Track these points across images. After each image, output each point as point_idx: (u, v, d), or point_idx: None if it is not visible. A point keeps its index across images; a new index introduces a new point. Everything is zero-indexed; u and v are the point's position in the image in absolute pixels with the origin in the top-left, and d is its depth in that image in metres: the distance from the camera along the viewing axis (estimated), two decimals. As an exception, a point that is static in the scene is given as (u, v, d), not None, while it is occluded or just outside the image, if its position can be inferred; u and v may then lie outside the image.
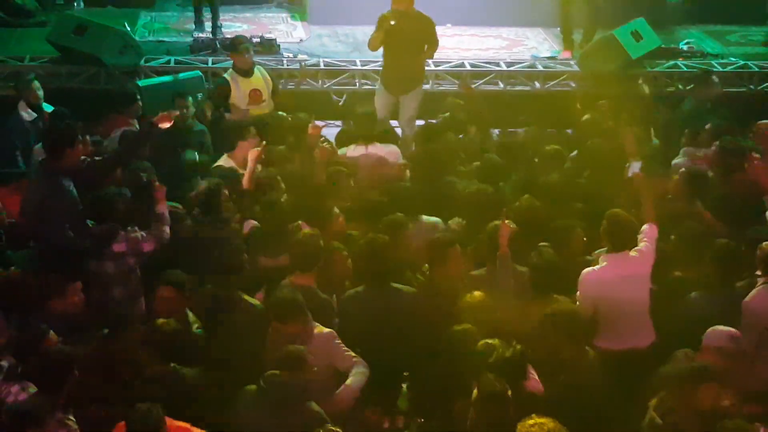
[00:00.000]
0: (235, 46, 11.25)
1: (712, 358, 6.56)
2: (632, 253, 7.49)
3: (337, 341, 6.96)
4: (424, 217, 8.51)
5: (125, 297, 7.78)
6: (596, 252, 7.85)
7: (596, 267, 7.53)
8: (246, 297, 7.40)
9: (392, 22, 11.12)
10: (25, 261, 8.03)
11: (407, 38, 11.30)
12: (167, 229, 7.99)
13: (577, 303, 7.42)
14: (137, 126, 10.52)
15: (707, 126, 10.35)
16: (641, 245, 7.53)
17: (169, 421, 5.91)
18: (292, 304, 6.83)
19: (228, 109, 10.96)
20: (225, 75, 11.24)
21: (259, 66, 11.35)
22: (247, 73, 11.00)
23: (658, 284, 7.59)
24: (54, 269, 7.43)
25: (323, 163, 8.84)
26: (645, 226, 7.64)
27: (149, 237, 7.91)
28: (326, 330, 6.99)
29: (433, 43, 11.66)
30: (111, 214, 8.00)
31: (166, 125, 8.87)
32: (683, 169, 9.31)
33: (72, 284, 7.30)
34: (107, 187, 8.35)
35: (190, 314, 7.20)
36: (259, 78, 11.04)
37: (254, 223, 8.34)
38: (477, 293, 7.16)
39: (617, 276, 7.39)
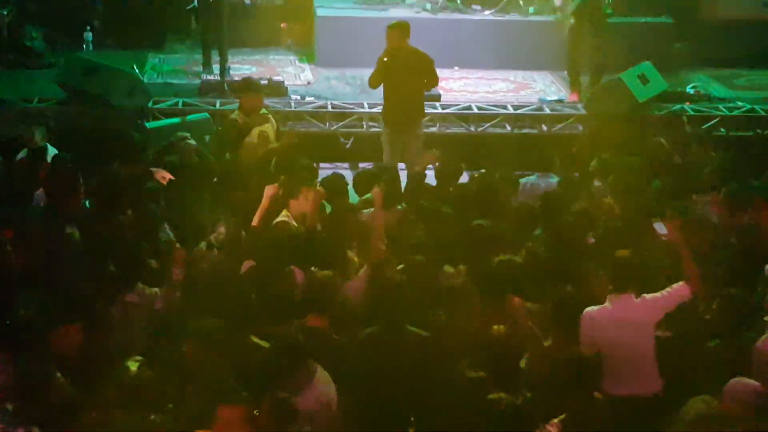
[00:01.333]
0: (246, 87, 11.29)
1: (736, 409, 6.48)
2: (637, 298, 7.44)
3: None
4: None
5: (124, 346, 7.70)
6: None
7: (597, 306, 7.48)
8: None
9: (385, 59, 11.33)
10: (30, 303, 7.98)
11: (404, 74, 11.45)
12: (178, 294, 7.89)
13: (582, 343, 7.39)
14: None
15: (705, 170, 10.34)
16: (655, 294, 7.45)
17: None
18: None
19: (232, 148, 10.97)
20: (232, 115, 11.26)
21: (266, 109, 11.38)
22: (251, 113, 11.02)
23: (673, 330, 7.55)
24: (59, 312, 7.40)
25: (317, 208, 8.76)
26: (678, 284, 7.49)
27: (162, 296, 7.85)
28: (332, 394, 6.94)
29: (432, 78, 11.78)
30: (137, 266, 7.99)
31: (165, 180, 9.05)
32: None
33: (73, 325, 7.25)
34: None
35: None
36: (264, 119, 11.06)
37: (251, 263, 8.21)
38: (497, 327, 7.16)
39: (615, 318, 7.33)
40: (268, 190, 8.66)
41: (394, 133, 11.65)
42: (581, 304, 7.48)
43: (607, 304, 7.45)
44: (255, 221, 8.53)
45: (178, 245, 8.22)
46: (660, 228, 8.72)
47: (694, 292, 7.46)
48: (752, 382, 6.74)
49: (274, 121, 11.20)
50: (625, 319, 7.32)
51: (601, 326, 7.36)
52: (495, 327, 7.20)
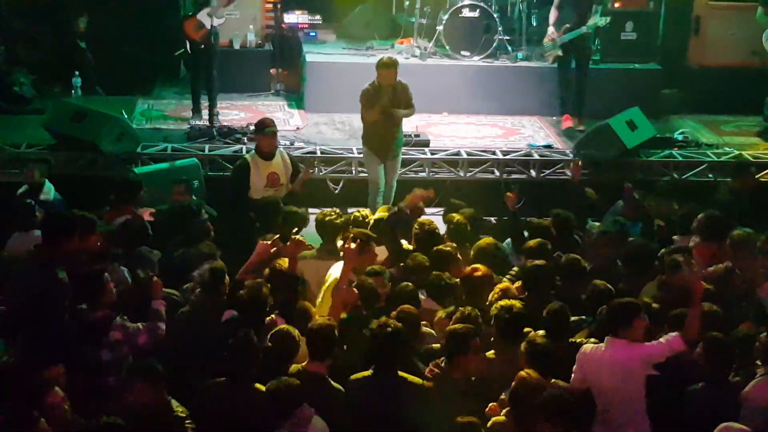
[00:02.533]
0: (262, 128, 11.25)
1: None
2: (631, 343, 7.38)
3: None
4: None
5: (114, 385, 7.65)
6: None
7: (594, 346, 7.47)
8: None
9: (385, 100, 11.72)
10: (13, 350, 7.89)
11: (389, 104, 11.80)
12: (162, 326, 7.89)
13: (574, 377, 7.40)
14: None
15: (700, 216, 10.29)
16: (651, 343, 7.41)
17: None
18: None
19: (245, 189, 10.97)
20: (246, 156, 11.30)
21: (281, 150, 11.36)
22: (268, 156, 11.02)
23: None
24: (44, 359, 7.34)
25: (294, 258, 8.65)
26: (673, 335, 7.45)
27: (144, 330, 7.81)
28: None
29: (411, 106, 12.10)
30: (102, 295, 7.91)
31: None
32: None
33: (53, 372, 7.19)
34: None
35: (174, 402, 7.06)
36: (279, 162, 11.05)
37: (233, 312, 8.11)
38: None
39: (610, 362, 7.30)
40: (260, 246, 8.67)
41: (379, 159, 12.03)
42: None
43: (604, 345, 7.42)
44: (240, 273, 8.54)
45: (155, 278, 8.14)
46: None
47: (688, 344, 7.41)
48: (741, 427, 6.75)
49: (290, 163, 11.16)
50: (620, 364, 7.28)
51: (593, 365, 7.35)
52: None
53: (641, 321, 7.43)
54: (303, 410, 6.80)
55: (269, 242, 8.65)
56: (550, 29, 14.67)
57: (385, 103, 11.75)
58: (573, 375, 7.44)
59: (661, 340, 7.43)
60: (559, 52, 14.66)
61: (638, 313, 7.43)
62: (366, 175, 12.42)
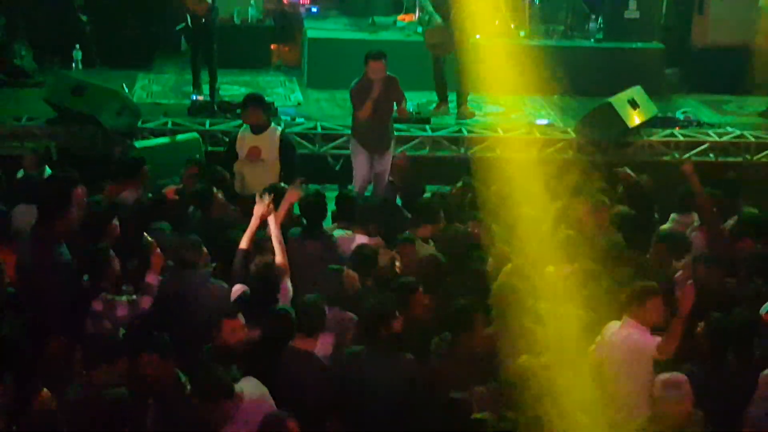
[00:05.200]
0: (243, 101, 11.32)
1: None
2: (639, 326, 7.40)
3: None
4: None
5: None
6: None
7: (615, 323, 7.51)
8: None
9: (374, 93, 11.40)
10: (15, 324, 7.91)
11: (381, 101, 11.54)
12: (147, 301, 7.82)
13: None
14: (143, 191, 10.46)
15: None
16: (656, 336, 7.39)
17: None
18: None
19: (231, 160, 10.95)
20: (241, 129, 11.25)
21: (277, 127, 11.25)
22: (256, 129, 10.94)
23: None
24: (47, 331, 7.37)
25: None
26: (655, 339, 7.36)
27: (125, 303, 7.78)
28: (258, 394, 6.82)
29: (401, 98, 11.86)
30: (105, 270, 7.90)
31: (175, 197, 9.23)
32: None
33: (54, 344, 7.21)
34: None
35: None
36: (266, 137, 10.93)
37: (243, 287, 8.08)
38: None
39: (618, 338, 7.35)
40: (258, 210, 8.55)
41: (367, 152, 11.78)
42: None
43: (622, 323, 7.45)
44: (244, 243, 8.45)
45: (157, 251, 8.05)
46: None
47: (660, 352, 7.24)
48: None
49: (279, 142, 11.01)
50: (623, 343, 7.32)
51: (607, 342, 7.43)
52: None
53: (656, 303, 7.43)
54: (232, 398, 6.65)
55: (266, 203, 8.55)
56: None
57: (376, 99, 11.46)
58: (594, 345, 7.50)
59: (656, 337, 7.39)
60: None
61: (654, 295, 7.44)
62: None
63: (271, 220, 8.40)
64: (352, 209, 9.71)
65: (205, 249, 8.28)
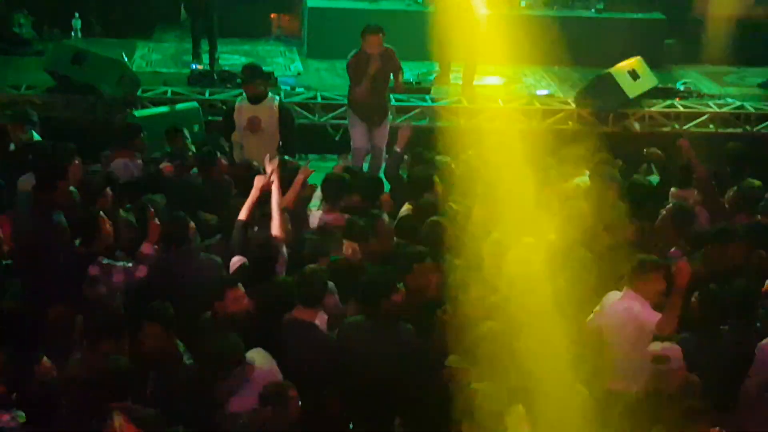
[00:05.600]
0: (243, 73, 11.31)
1: None
2: (640, 298, 7.39)
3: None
4: None
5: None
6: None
7: (616, 292, 7.51)
8: None
9: (373, 70, 11.33)
10: (18, 292, 7.93)
11: (376, 75, 11.47)
12: (143, 269, 7.76)
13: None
14: (140, 160, 10.47)
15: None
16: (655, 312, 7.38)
17: None
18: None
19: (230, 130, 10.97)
20: (238, 98, 11.26)
21: (275, 97, 11.23)
22: (254, 99, 10.93)
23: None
24: (46, 300, 7.38)
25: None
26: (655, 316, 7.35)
27: (122, 270, 7.74)
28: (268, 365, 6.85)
29: (398, 70, 11.82)
30: (97, 235, 7.88)
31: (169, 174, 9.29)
32: (670, 205, 9.25)
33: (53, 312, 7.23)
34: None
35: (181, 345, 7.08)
36: (266, 108, 10.92)
37: (243, 260, 8.03)
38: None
39: (626, 311, 7.32)
40: (258, 181, 8.52)
41: (364, 123, 11.74)
42: None
43: (623, 293, 7.46)
44: (243, 214, 8.43)
45: (155, 220, 7.97)
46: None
47: (659, 330, 7.20)
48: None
49: (277, 111, 11.01)
50: (622, 314, 7.31)
51: (607, 311, 7.41)
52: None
53: (658, 277, 7.42)
54: (244, 366, 6.71)
55: (268, 175, 8.54)
56: None
57: (373, 74, 11.40)
58: (593, 315, 7.51)
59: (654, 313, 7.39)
60: None
61: (657, 269, 7.44)
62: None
63: (273, 191, 8.39)
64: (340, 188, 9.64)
65: (192, 224, 8.26)
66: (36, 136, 10.52)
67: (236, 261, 7.93)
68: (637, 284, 7.41)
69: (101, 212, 8.00)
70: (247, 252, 7.95)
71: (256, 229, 8.25)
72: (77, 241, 7.93)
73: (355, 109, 11.76)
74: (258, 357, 6.77)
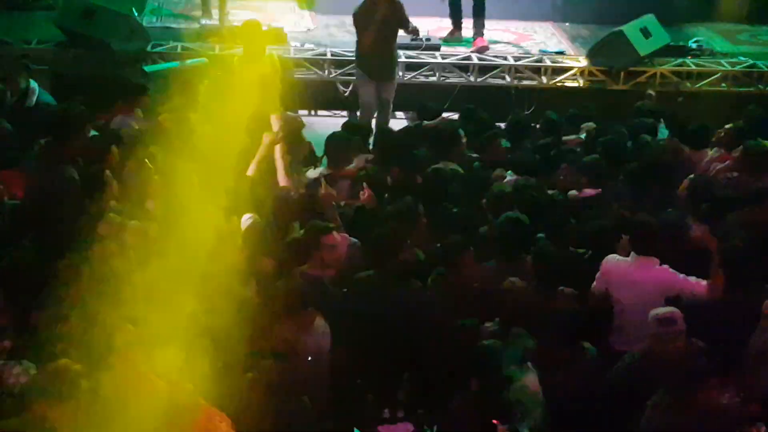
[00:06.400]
0: (242, 31, 11.22)
1: None
2: (658, 265, 7.44)
3: None
4: None
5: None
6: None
7: (622, 258, 7.52)
8: None
9: (380, 17, 11.37)
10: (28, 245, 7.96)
11: (383, 26, 11.48)
12: (152, 227, 7.73)
13: (595, 283, 7.45)
14: (140, 115, 10.51)
15: (727, 126, 10.32)
16: (676, 272, 7.43)
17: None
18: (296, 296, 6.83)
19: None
20: (235, 59, 11.20)
21: (272, 53, 11.25)
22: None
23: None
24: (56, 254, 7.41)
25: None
26: (702, 282, 7.42)
27: (135, 227, 7.67)
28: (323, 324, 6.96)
29: (406, 23, 11.81)
30: (104, 192, 7.93)
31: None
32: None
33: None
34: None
35: None
36: (267, 64, 10.93)
37: (253, 216, 8.11)
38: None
39: (633, 277, 7.36)
40: (266, 138, 8.57)
41: (373, 81, 11.77)
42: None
43: (629, 259, 7.47)
44: (250, 170, 8.47)
45: (156, 177, 7.94)
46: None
47: (710, 296, 7.34)
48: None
49: (279, 66, 11.02)
50: (642, 281, 7.33)
51: (616, 279, 7.42)
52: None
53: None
54: (308, 312, 6.86)
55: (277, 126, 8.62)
56: None
57: (381, 21, 11.41)
58: (594, 283, 7.50)
59: (691, 278, 7.43)
60: None
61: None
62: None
63: (278, 146, 8.47)
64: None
65: None
66: (33, 84, 10.55)
67: (247, 218, 7.99)
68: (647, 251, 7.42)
69: (104, 170, 8.04)
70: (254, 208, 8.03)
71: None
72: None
73: (363, 66, 11.74)
74: (319, 318, 6.93)
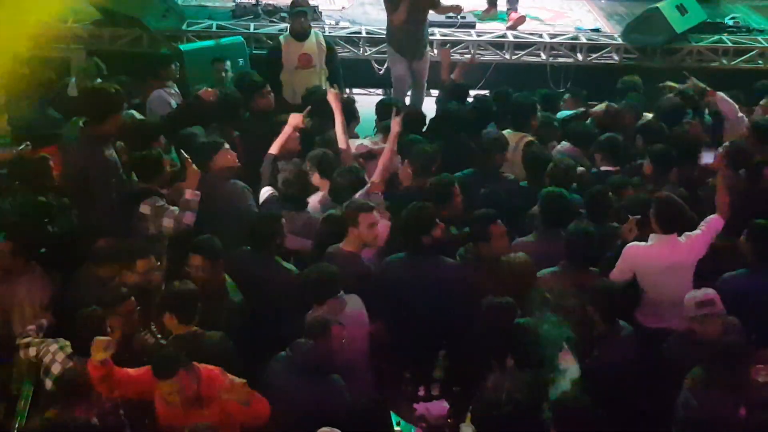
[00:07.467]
0: (291, 8, 11.46)
1: None
2: (681, 238, 7.41)
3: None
4: None
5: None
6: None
7: (642, 243, 7.47)
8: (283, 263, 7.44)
9: None
10: (68, 223, 8.04)
11: (414, 4, 11.40)
12: (190, 216, 7.76)
13: (616, 271, 7.42)
14: (174, 89, 10.58)
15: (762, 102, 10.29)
16: (695, 233, 7.45)
17: (201, 367, 6.08)
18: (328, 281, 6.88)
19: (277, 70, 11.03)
20: (280, 37, 11.39)
21: (317, 32, 11.34)
22: (300, 36, 11.03)
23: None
24: (94, 231, 7.50)
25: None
26: (711, 217, 7.54)
27: (171, 214, 7.79)
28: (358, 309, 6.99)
29: (437, 2, 11.80)
30: (156, 174, 8.01)
31: (211, 99, 9.24)
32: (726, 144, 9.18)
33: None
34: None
35: (229, 280, 7.17)
36: (313, 44, 11.03)
37: (271, 190, 8.27)
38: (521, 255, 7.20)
39: (660, 259, 7.33)
40: (293, 119, 8.72)
41: (405, 59, 11.72)
42: None
43: (651, 242, 7.44)
44: (274, 149, 8.58)
45: (193, 167, 7.95)
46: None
47: (721, 213, 7.51)
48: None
49: (325, 46, 11.13)
50: (670, 260, 7.32)
51: (645, 264, 7.40)
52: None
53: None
54: (337, 299, 6.88)
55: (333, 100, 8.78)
56: None
57: (410, 4, 11.32)
58: (616, 267, 7.46)
59: (702, 227, 7.44)
60: None
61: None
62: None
63: (337, 117, 8.79)
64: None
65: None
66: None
67: (266, 191, 8.19)
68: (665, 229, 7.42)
69: (161, 152, 8.16)
70: (275, 184, 8.19)
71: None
72: (134, 176, 8.07)
73: (394, 43, 11.73)
74: (351, 300, 6.96)
